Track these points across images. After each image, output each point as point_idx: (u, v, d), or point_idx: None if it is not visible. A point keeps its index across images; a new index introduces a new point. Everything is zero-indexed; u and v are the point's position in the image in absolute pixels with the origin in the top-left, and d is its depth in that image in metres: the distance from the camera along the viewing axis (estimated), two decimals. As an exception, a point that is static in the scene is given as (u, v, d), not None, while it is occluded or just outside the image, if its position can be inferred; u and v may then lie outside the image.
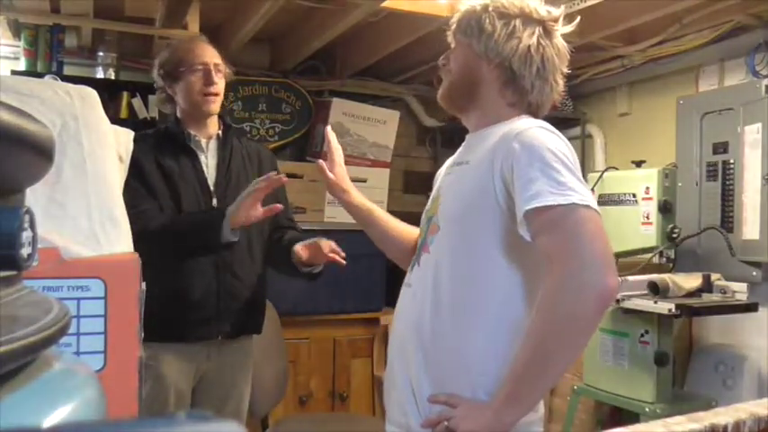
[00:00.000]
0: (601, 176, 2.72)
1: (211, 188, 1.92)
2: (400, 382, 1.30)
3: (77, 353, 0.84)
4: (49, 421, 0.40)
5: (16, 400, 0.41)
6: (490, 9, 1.28)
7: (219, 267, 1.89)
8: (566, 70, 1.33)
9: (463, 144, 1.40)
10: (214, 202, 1.91)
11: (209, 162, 1.96)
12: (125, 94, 2.99)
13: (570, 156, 1.17)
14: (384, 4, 2.48)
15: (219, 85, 1.94)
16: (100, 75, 3.07)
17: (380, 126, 3.44)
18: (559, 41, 1.31)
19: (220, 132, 1.99)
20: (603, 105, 3.60)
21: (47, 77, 1.18)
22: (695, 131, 2.78)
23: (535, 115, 1.32)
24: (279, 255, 1.96)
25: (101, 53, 3.08)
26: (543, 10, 1.29)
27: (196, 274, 1.86)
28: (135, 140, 1.20)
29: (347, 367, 3.22)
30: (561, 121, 3.65)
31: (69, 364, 0.52)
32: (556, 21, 1.30)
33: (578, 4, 2.49)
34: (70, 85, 1.04)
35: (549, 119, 1.27)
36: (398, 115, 3.51)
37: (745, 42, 2.79)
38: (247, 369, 2.01)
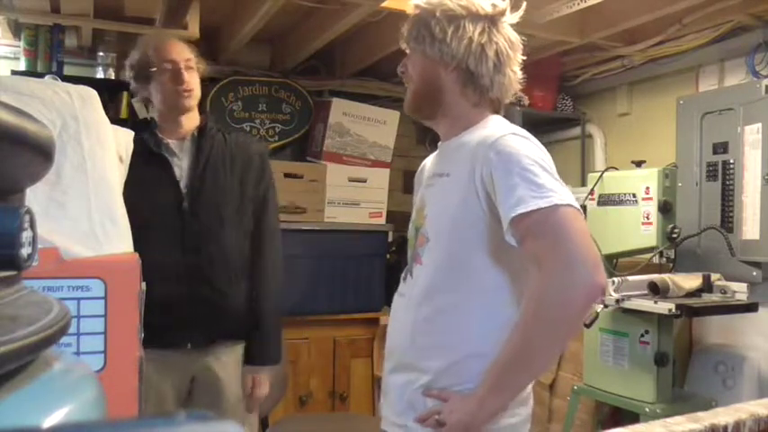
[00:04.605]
0: (601, 176, 2.71)
1: (183, 191, 1.83)
2: (394, 386, 1.34)
3: (77, 353, 0.84)
4: (49, 421, 0.40)
5: (16, 400, 0.41)
6: (437, 14, 1.29)
7: (190, 274, 1.80)
8: (521, 58, 1.34)
9: (437, 153, 1.41)
10: (185, 205, 1.83)
11: (182, 164, 1.87)
12: (125, 94, 2.98)
13: (546, 158, 1.20)
14: (384, 4, 2.48)
15: (192, 81, 1.87)
16: (100, 75, 3.07)
17: (380, 126, 3.44)
18: (510, 33, 1.32)
19: (195, 131, 1.90)
20: (603, 105, 3.60)
21: (47, 77, 1.18)
22: (695, 131, 2.77)
23: (497, 109, 1.34)
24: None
25: (101, 53, 3.07)
26: (488, 5, 1.30)
27: (160, 278, 1.72)
28: None
29: (347, 367, 3.22)
30: (561, 121, 3.63)
31: (69, 364, 0.52)
32: (503, 14, 1.31)
33: (578, 4, 2.48)
34: (70, 85, 1.04)
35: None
36: (398, 115, 3.50)
37: (745, 42, 2.79)
38: (240, 371, 1.94)
